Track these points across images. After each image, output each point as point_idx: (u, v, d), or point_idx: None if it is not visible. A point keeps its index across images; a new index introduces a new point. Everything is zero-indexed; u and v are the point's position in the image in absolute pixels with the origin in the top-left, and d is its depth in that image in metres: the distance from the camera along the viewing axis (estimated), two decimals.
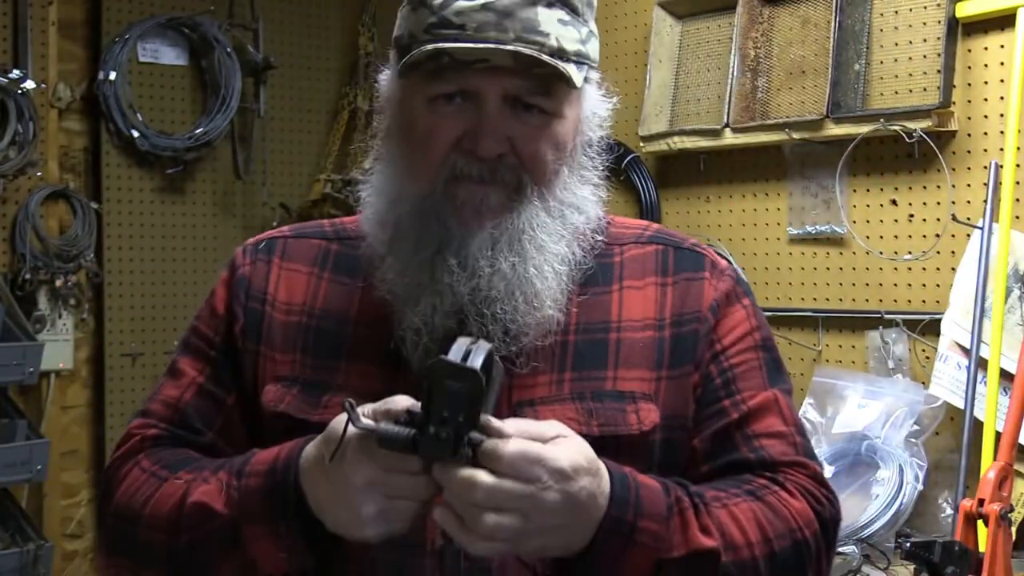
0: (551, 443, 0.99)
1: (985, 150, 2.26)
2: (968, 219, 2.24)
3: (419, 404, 0.97)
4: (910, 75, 2.34)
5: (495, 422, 0.97)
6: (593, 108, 1.23)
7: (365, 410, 1.01)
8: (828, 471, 2.33)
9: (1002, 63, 2.23)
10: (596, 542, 1.02)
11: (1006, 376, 2.07)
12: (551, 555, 1.04)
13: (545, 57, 1.09)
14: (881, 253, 2.41)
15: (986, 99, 2.26)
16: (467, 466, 0.95)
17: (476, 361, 0.95)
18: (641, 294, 1.23)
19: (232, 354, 1.25)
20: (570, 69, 1.11)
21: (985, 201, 2.19)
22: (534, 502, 0.96)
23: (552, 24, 1.11)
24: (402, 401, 1.00)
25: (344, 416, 0.99)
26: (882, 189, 2.43)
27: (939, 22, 2.28)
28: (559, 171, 1.17)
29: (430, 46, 1.09)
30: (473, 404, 0.95)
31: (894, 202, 2.41)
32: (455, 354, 0.96)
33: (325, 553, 1.09)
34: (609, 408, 1.16)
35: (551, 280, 1.15)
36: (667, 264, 1.26)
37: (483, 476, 0.95)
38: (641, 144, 2.79)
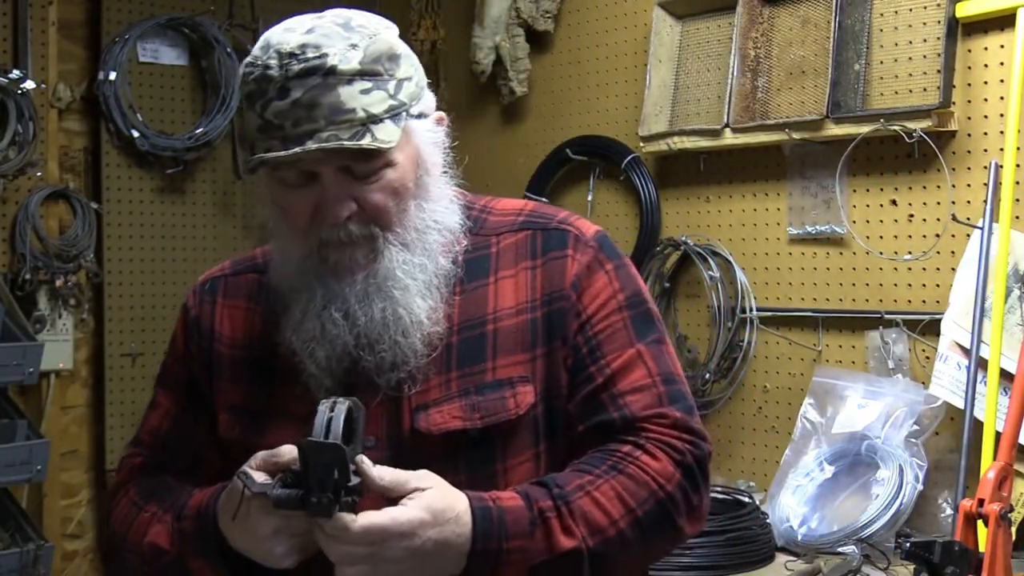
0: (404, 502, 1.19)
1: (985, 150, 2.26)
2: (968, 219, 2.24)
3: (298, 459, 1.18)
4: (910, 75, 2.34)
5: (368, 469, 1.19)
6: (426, 140, 1.37)
7: (254, 462, 1.24)
8: (828, 471, 2.33)
9: (1002, 63, 2.23)
10: (468, 568, 1.22)
11: (1006, 376, 2.07)
12: None
13: (347, 144, 1.25)
14: (881, 253, 2.41)
15: (986, 99, 2.26)
16: (347, 513, 1.17)
17: (337, 428, 1.16)
18: (514, 281, 1.38)
19: (195, 387, 1.46)
20: (381, 130, 1.27)
21: (985, 201, 2.19)
22: (377, 559, 1.18)
23: (355, 98, 1.26)
24: (285, 454, 1.22)
25: (239, 482, 1.22)
26: (882, 189, 2.43)
27: (939, 22, 2.28)
28: (406, 210, 1.34)
29: (255, 158, 1.28)
30: (342, 466, 1.16)
31: (894, 202, 2.41)
32: (318, 427, 1.16)
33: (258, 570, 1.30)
34: (490, 399, 1.33)
35: (419, 308, 1.33)
36: (535, 247, 1.40)
37: (337, 545, 1.18)
38: (641, 144, 2.79)
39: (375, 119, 1.27)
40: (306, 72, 1.26)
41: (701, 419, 1.39)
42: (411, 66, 1.35)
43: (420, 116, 1.36)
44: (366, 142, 1.26)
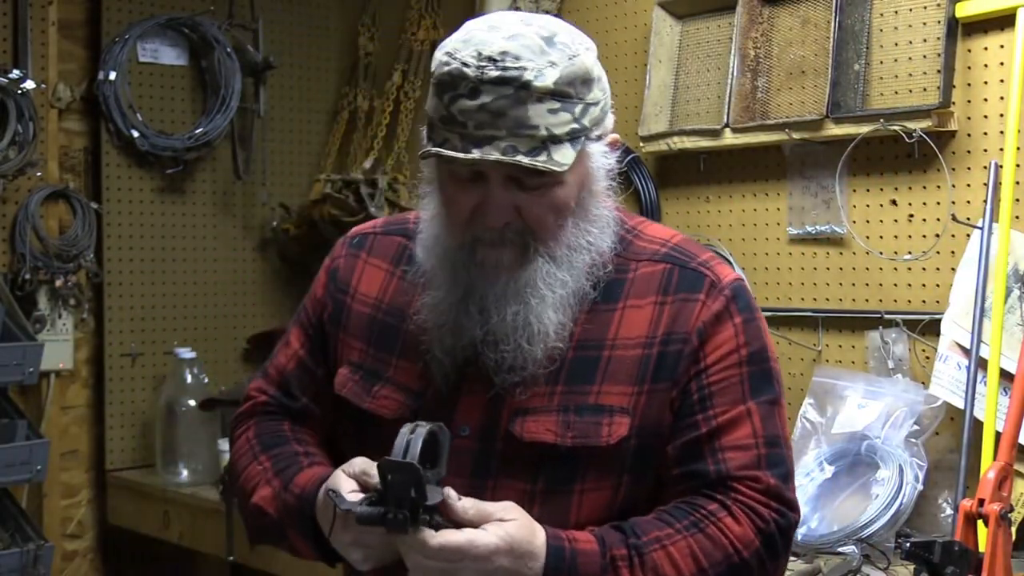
0: (485, 526, 1.24)
1: (985, 150, 2.26)
2: (968, 219, 2.24)
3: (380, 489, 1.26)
4: (910, 75, 2.34)
5: (454, 502, 1.25)
6: (599, 163, 1.40)
7: (350, 469, 1.33)
8: (828, 471, 2.33)
9: (1002, 63, 2.23)
10: None
11: (1006, 376, 2.08)
12: None
13: (523, 160, 1.28)
14: (881, 253, 2.41)
15: (986, 99, 2.26)
16: (427, 530, 1.23)
17: (415, 450, 1.22)
18: (640, 313, 1.40)
19: (323, 334, 1.54)
20: (559, 151, 1.30)
21: (985, 201, 2.19)
22: (454, 574, 1.24)
23: (541, 116, 1.29)
24: (372, 470, 1.28)
25: (329, 499, 1.30)
26: (882, 189, 2.43)
27: (939, 22, 2.28)
28: (563, 227, 1.37)
29: (433, 149, 1.31)
30: (418, 485, 1.22)
31: (894, 202, 2.41)
32: (398, 448, 1.23)
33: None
34: (586, 421, 1.36)
35: (549, 321, 1.36)
36: (669, 284, 1.41)
37: (416, 557, 1.24)
38: (641, 144, 2.79)
39: (556, 139, 1.30)
40: (501, 81, 1.28)
41: None
42: (601, 90, 1.39)
43: (598, 139, 1.39)
44: (541, 160, 1.29)
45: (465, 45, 1.31)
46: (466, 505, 1.25)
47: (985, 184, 2.22)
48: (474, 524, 1.25)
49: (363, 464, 1.32)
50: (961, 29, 2.28)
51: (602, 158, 1.40)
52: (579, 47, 1.36)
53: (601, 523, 1.36)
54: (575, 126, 1.32)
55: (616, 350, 1.39)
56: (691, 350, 1.38)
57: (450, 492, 1.25)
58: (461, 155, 1.29)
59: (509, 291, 1.36)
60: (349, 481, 1.31)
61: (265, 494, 1.46)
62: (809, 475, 2.34)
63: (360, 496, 1.28)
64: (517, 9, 3.06)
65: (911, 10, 2.34)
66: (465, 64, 1.29)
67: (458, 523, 1.25)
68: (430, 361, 1.41)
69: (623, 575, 1.28)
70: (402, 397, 1.43)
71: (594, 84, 1.38)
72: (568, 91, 1.32)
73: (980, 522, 1.67)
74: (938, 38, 2.28)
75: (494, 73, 1.28)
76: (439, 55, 1.33)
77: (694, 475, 1.36)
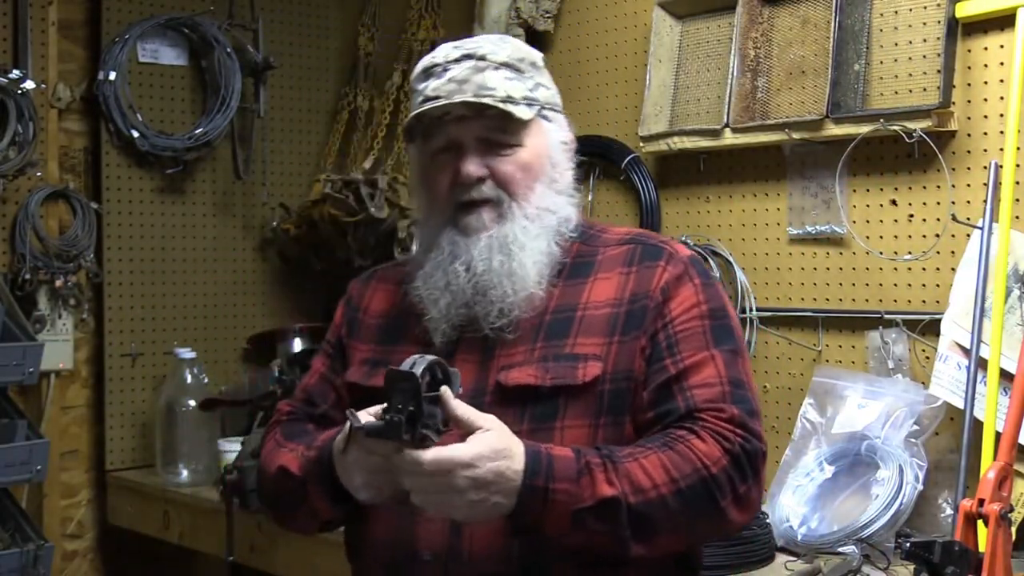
0: (470, 438, 1.38)
1: (985, 150, 2.26)
2: (968, 219, 2.24)
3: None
4: (910, 75, 2.34)
5: (448, 398, 1.38)
6: (558, 138, 1.66)
7: (372, 408, 1.44)
8: (828, 471, 2.33)
9: (1002, 63, 2.23)
10: (519, 503, 1.39)
11: (1006, 376, 2.07)
12: (484, 518, 1.42)
13: (488, 101, 1.55)
14: (881, 253, 2.41)
15: (986, 99, 2.26)
16: (420, 448, 1.36)
17: (417, 368, 1.36)
18: (608, 282, 1.60)
19: (341, 349, 1.76)
20: (517, 108, 1.57)
21: (985, 201, 2.19)
22: (446, 488, 1.37)
23: (500, 81, 1.58)
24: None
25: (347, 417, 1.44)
26: (882, 189, 2.43)
27: (939, 22, 2.28)
28: (531, 186, 1.60)
29: (412, 115, 1.59)
30: (416, 393, 1.35)
31: (894, 202, 2.41)
32: (404, 366, 1.38)
33: (354, 512, 1.60)
34: (563, 366, 1.54)
35: (531, 269, 1.57)
36: (633, 257, 1.62)
37: (411, 477, 1.38)
38: (641, 144, 2.79)
39: (512, 100, 1.58)
40: (463, 57, 1.58)
41: None
42: (550, 82, 1.67)
43: (552, 122, 1.65)
44: (503, 106, 1.54)
45: (435, 50, 1.64)
46: (457, 405, 1.39)
47: (985, 184, 2.22)
48: (462, 426, 1.39)
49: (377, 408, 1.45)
50: (961, 29, 2.28)
51: (559, 140, 1.65)
52: (527, 46, 1.66)
53: None
54: (529, 94, 1.60)
55: (588, 310, 1.58)
56: (656, 304, 1.55)
57: (446, 390, 1.39)
58: (433, 104, 1.55)
59: (492, 245, 1.57)
60: (367, 412, 1.43)
61: (289, 458, 1.63)
62: (809, 475, 2.34)
63: (373, 420, 1.40)
64: (517, 9, 3.06)
65: (911, 10, 2.34)
66: (435, 57, 1.62)
67: (453, 426, 1.39)
68: (428, 323, 1.59)
69: (598, 476, 1.41)
70: None
71: (543, 73, 1.66)
72: (520, 66, 1.61)
73: (980, 522, 1.67)
74: (938, 38, 2.28)
75: (457, 54, 1.59)
76: (416, 71, 1.64)
77: (666, 414, 1.50)
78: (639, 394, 1.53)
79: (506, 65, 1.59)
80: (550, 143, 1.64)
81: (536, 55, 1.66)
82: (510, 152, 1.59)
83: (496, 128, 1.57)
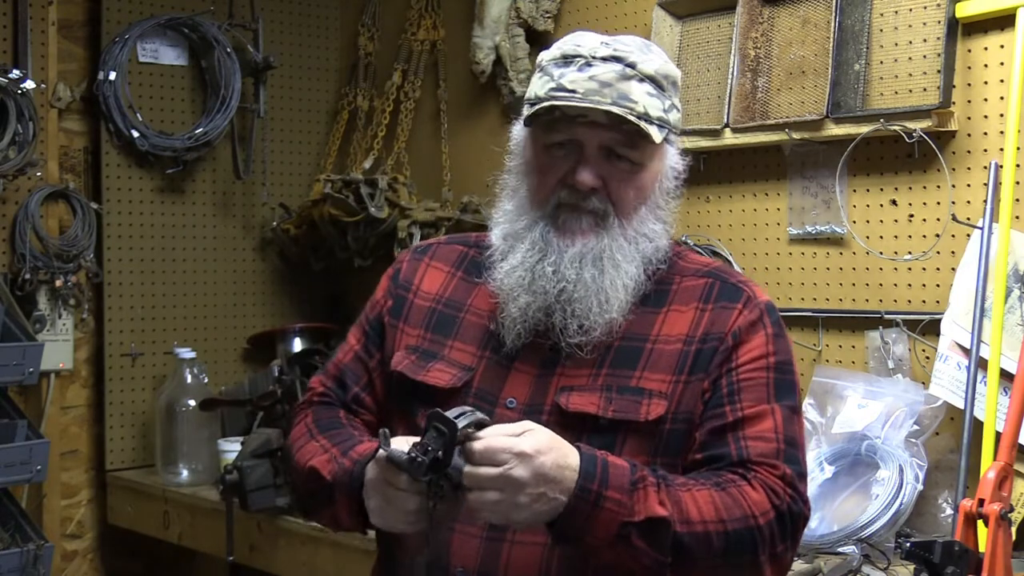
0: (518, 436, 1.32)
1: (985, 150, 2.26)
2: (968, 219, 2.24)
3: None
4: (910, 75, 2.34)
5: (478, 432, 1.33)
6: (672, 164, 1.58)
7: (403, 439, 1.39)
8: (828, 471, 2.33)
9: (1002, 63, 2.23)
10: (569, 505, 1.33)
11: (1006, 376, 2.07)
12: (540, 523, 1.35)
13: (631, 117, 1.45)
14: (881, 253, 2.41)
15: (986, 99, 2.26)
16: (430, 496, 1.33)
17: (461, 421, 1.31)
18: (683, 316, 1.54)
19: (380, 328, 1.66)
20: (651, 129, 1.47)
21: (985, 201, 2.19)
22: (505, 479, 1.31)
23: (641, 95, 1.47)
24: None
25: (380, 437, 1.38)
26: (882, 189, 2.43)
27: (939, 22, 2.28)
28: (638, 208, 1.53)
29: (547, 103, 1.48)
30: (448, 446, 1.30)
31: (894, 202, 2.41)
32: (450, 413, 1.32)
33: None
34: (627, 399, 1.48)
35: (620, 291, 1.50)
36: (711, 293, 1.56)
37: (469, 469, 1.31)
38: None
39: (649, 118, 1.48)
40: (611, 58, 1.48)
41: None
42: (680, 106, 1.57)
43: (674, 146, 1.58)
44: (643, 124, 1.46)
45: (578, 36, 1.52)
46: (491, 430, 1.34)
47: (985, 184, 2.22)
48: (494, 455, 1.32)
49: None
50: (961, 29, 2.28)
51: (675, 161, 1.59)
52: (670, 62, 1.56)
53: None
54: (664, 115, 1.51)
55: (658, 344, 1.52)
56: (725, 348, 1.50)
57: (478, 435, 1.33)
58: (571, 100, 1.45)
59: (586, 255, 1.50)
60: (404, 439, 1.38)
61: (323, 459, 1.55)
62: (809, 475, 2.33)
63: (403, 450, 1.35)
64: (517, 9, 3.06)
65: (911, 10, 2.34)
66: (578, 45, 1.50)
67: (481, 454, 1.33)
68: (501, 321, 1.52)
69: (650, 493, 1.36)
70: (455, 370, 1.55)
71: (678, 93, 1.56)
72: (663, 83, 1.51)
73: (980, 522, 1.67)
74: (938, 38, 2.28)
75: (605, 51, 1.48)
76: (545, 54, 1.54)
77: (717, 458, 1.45)
78: (693, 436, 1.49)
79: (651, 79, 1.49)
80: (666, 169, 1.57)
81: (677, 74, 1.56)
82: (628, 169, 1.51)
83: (625, 143, 1.49)
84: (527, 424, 1.37)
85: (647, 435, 1.47)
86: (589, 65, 1.47)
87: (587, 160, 1.49)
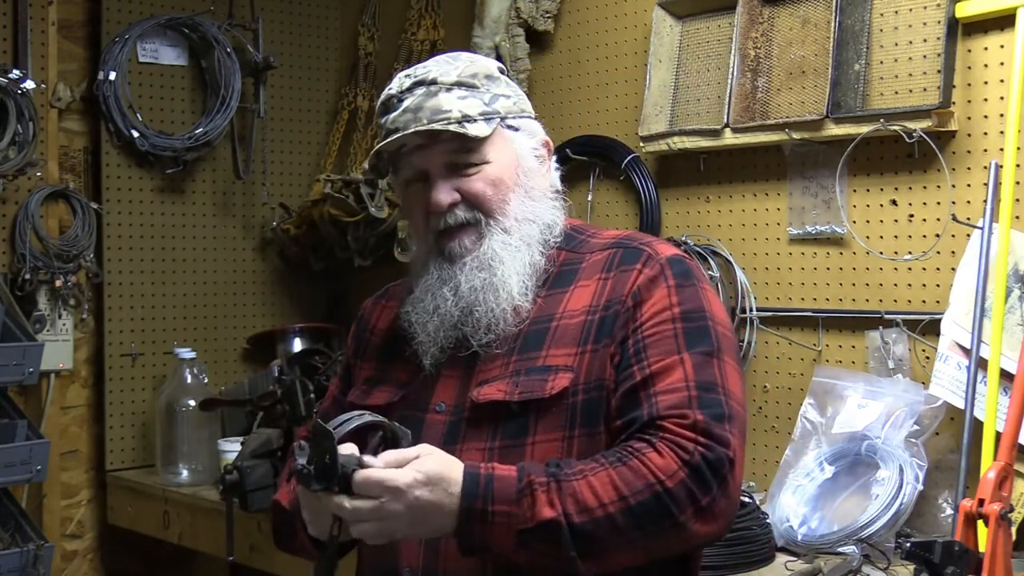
0: (404, 467, 1.38)
1: (985, 150, 2.26)
2: (968, 219, 2.24)
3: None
4: (910, 75, 2.34)
5: (368, 459, 1.39)
6: (527, 145, 1.64)
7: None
8: (828, 471, 2.33)
9: (1002, 63, 2.23)
10: (459, 525, 1.40)
11: (1006, 376, 2.07)
12: (424, 537, 1.47)
13: (438, 126, 1.54)
14: (881, 253, 2.41)
15: (986, 99, 2.26)
16: (337, 495, 1.38)
17: (342, 429, 1.40)
18: (586, 290, 1.58)
19: (350, 371, 1.78)
20: (474, 127, 1.56)
21: (985, 201, 2.19)
22: (381, 513, 1.37)
23: (453, 102, 1.57)
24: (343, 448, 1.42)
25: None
26: (882, 189, 2.43)
27: (939, 22, 2.28)
28: (505, 198, 1.59)
29: (373, 152, 1.61)
30: (331, 453, 1.37)
31: (894, 202, 2.41)
32: (332, 424, 1.40)
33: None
34: (533, 379, 1.52)
35: (513, 281, 1.56)
36: (613, 262, 1.59)
37: (345, 502, 1.37)
38: (641, 144, 2.79)
39: (469, 118, 1.56)
40: (415, 85, 1.59)
41: None
42: (511, 90, 1.64)
43: (518, 130, 1.63)
44: (459, 130, 1.54)
45: (392, 81, 1.63)
46: (384, 457, 1.39)
47: (985, 184, 2.22)
48: (387, 479, 1.37)
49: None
50: (961, 29, 2.28)
51: (529, 148, 1.64)
52: (480, 58, 1.65)
53: None
54: (486, 108, 1.58)
55: (563, 320, 1.56)
56: (626, 310, 1.53)
57: (371, 459, 1.38)
58: (389, 140, 1.57)
59: (475, 265, 1.57)
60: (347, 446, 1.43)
61: (284, 492, 1.66)
62: (809, 475, 2.34)
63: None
64: (517, 9, 3.06)
65: (911, 10, 2.34)
66: (390, 88, 1.62)
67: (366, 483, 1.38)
68: (417, 347, 1.60)
69: (539, 498, 1.39)
70: (392, 388, 1.64)
71: (500, 82, 1.63)
72: (473, 82, 1.59)
73: (980, 522, 1.67)
74: (938, 38, 2.28)
75: (409, 83, 1.59)
76: (378, 104, 1.64)
77: (631, 422, 1.47)
78: (611, 403, 1.51)
79: (458, 84, 1.58)
80: (519, 151, 1.62)
81: (491, 66, 1.64)
82: (476, 171, 1.58)
83: (457, 150, 1.57)
84: (423, 448, 1.41)
85: (557, 411, 1.50)
86: (400, 101, 1.58)
87: (434, 182, 1.58)
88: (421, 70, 1.60)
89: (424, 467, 1.38)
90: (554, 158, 1.70)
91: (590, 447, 1.49)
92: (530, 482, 1.40)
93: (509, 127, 1.61)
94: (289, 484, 1.66)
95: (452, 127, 1.54)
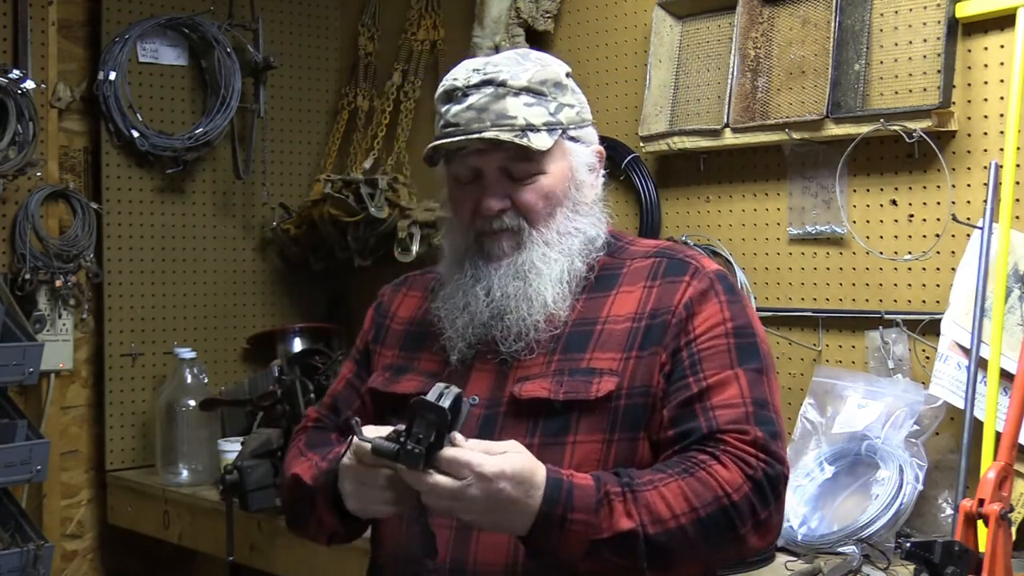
0: (494, 456, 1.37)
1: (985, 150, 2.26)
2: (968, 219, 2.24)
3: (403, 428, 1.37)
4: (910, 75, 2.34)
5: (459, 438, 1.37)
6: (583, 159, 1.65)
7: (377, 429, 1.43)
8: (828, 471, 2.33)
9: (1002, 63, 2.23)
10: (534, 528, 1.39)
11: (1006, 376, 2.07)
12: (491, 529, 1.44)
13: (504, 136, 1.53)
14: (881, 253, 2.41)
15: (986, 99, 2.26)
16: (428, 473, 1.35)
17: (446, 402, 1.35)
18: (630, 296, 1.59)
19: (367, 355, 1.78)
20: (536, 137, 1.55)
21: (985, 201, 2.19)
22: (460, 495, 1.36)
23: (519, 108, 1.56)
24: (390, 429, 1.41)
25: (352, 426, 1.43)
26: (882, 189, 2.43)
27: (939, 22, 2.28)
28: (552, 212, 1.60)
29: (430, 145, 1.59)
30: (440, 430, 1.34)
31: (894, 202, 2.41)
32: (432, 395, 1.35)
33: (355, 527, 1.61)
34: (577, 380, 1.53)
35: (547, 293, 1.57)
36: (658, 271, 1.61)
37: (427, 477, 1.35)
38: (641, 144, 2.79)
39: (533, 128, 1.56)
40: (483, 83, 1.56)
41: None
42: (576, 100, 1.64)
43: (577, 141, 1.63)
44: (523, 142, 1.53)
45: (457, 68, 1.61)
46: (473, 443, 1.38)
47: (985, 184, 2.22)
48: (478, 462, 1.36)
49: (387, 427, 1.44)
50: (961, 29, 2.28)
51: (584, 155, 1.64)
52: (550, 61, 1.63)
53: None
54: (551, 119, 1.58)
55: (608, 324, 1.57)
56: (678, 320, 1.54)
57: (458, 435, 1.37)
58: (450, 140, 1.55)
59: (511, 272, 1.58)
60: (375, 428, 1.43)
61: (305, 466, 1.64)
62: (809, 475, 2.34)
63: (380, 434, 1.39)
64: (517, 9, 3.06)
65: (911, 10, 2.34)
66: (455, 79, 1.59)
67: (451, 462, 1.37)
68: (444, 343, 1.61)
69: (616, 507, 1.40)
70: (423, 378, 1.62)
71: (567, 90, 1.62)
72: (541, 89, 1.58)
73: (980, 522, 1.67)
74: (938, 38, 2.28)
75: (477, 79, 1.57)
76: (439, 89, 1.62)
77: (687, 433, 1.48)
78: (656, 411, 1.52)
79: (527, 90, 1.57)
80: (574, 165, 1.63)
81: (560, 72, 1.63)
82: (531, 181, 1.59)
83: (515, 158, 1.57)
84: (512, 444, 1.42)
85: (600, 413, 1.51)
86: (466, 96, 1.56)
87: (489, 186, 1.58)
88: (491, 68, 1.58)
89: (513, 462, 1.38)
90: (602, 161, 1.71)
91: (629, 452, 1.51)
92: (607, 492, 1.41)
93: (570, 138, 1.62)
94: (308, 460, 1.65)
95: (515, 138, 1.54)
